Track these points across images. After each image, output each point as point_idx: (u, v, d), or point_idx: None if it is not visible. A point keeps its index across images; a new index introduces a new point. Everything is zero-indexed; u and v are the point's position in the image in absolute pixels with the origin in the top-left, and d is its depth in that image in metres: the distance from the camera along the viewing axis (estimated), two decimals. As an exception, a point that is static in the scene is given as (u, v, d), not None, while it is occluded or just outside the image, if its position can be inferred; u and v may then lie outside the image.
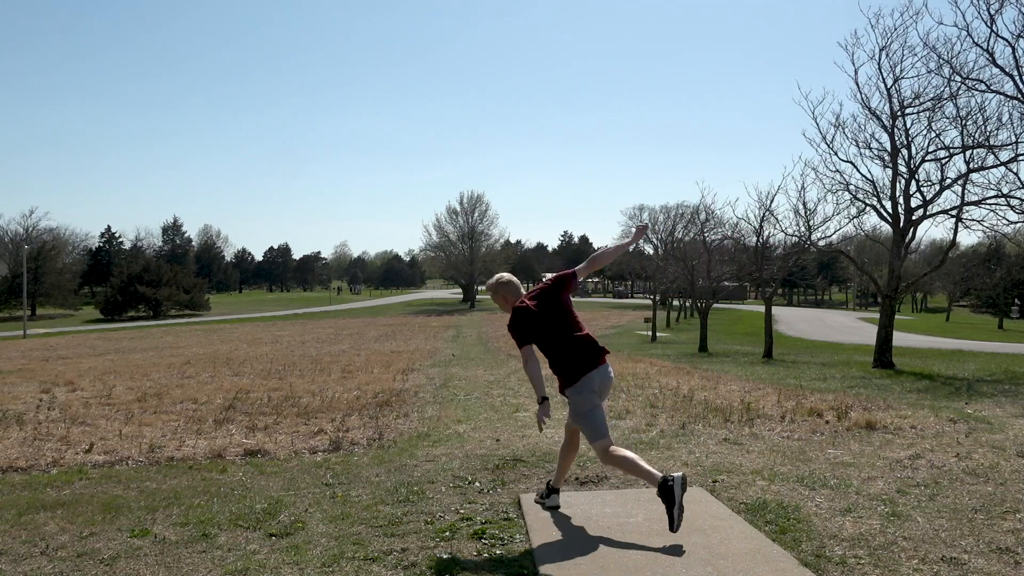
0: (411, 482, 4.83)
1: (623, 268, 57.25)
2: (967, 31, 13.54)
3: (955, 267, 39.84)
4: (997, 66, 13.05)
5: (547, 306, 3.89)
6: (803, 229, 17.82)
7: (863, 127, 21.79)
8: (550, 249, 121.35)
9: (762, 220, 19.78)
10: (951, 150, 14.44)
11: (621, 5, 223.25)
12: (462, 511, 4.16)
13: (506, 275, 4.13)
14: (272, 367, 14.42)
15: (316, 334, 29.08)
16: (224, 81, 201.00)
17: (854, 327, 37.55)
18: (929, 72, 14.48)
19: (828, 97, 47.38)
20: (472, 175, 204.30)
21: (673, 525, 3.47)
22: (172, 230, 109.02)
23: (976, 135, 13.83)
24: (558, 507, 4.10)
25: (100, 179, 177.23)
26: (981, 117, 13.80)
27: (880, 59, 14.76)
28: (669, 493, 3.47)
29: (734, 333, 33.16)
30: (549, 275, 3.77)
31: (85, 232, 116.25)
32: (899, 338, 24.37)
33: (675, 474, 3.53)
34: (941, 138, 14.59)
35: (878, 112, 15.09)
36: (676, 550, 3.40)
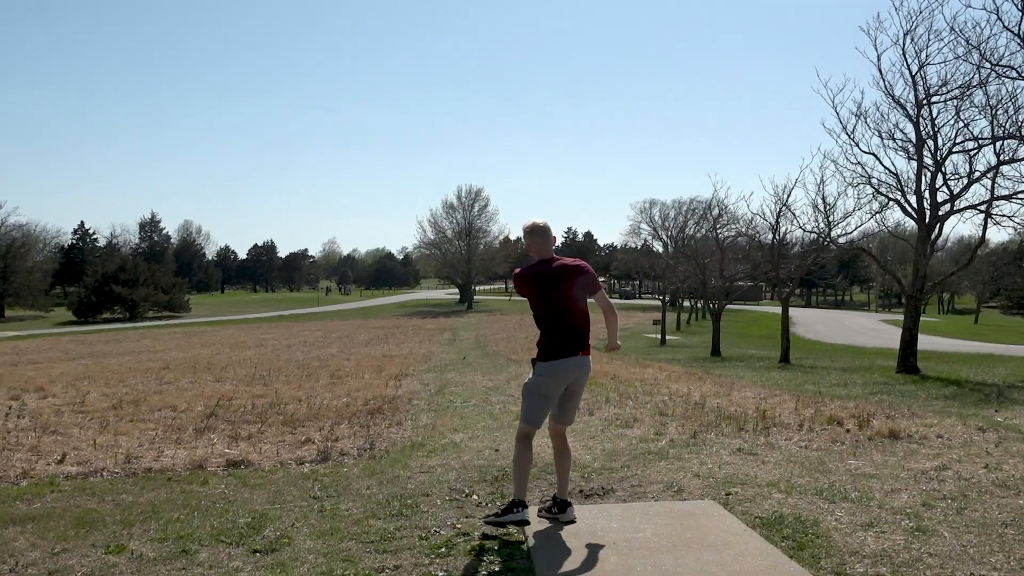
0: (404, 495, 4.83)
1: (630, 267, 57.16)
2: (997, 14, 13.59)
3: (984, 266, 39.79)
4: (1029, 51, 13.06)
5: (554, 280, 4.02)
6: (822, 225, 17.84)
7: (886, 116, 21.92)
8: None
9: (778, 216, 19.81)
10: (980, 141, 14.46)
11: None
12: (459, 526, 4.16)
13: (540, 223, 4.18)
14: (256, 372, 14.41)
15: (303, 337, 29.07)
16: (206, 68, 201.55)
17: (876, 330, 37.57)
18: (957, 58, 14.55)
19: (849, 85, 47.60)
20: (470, 168, 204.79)
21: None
22: (150, 227, 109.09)
23: (1007, 125, 13.85)
24: (574, 521, 4.08)
25: (73, 172, 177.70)
26: (1012, 106, 13.83)
27: (904, 44, 14.78)
28: (507, 514, 3.91)
29: (749, 336, 33.18)
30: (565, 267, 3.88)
31: (57, 229, 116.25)
32: (924, 341, 24.38)
33: (528, 514, 3.95)
34: (969, 128, 14.61)
35: (902, 101, 15.12)
36: (687, 568, 3.40)
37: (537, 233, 4.15)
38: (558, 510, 4.15)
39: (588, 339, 4.09)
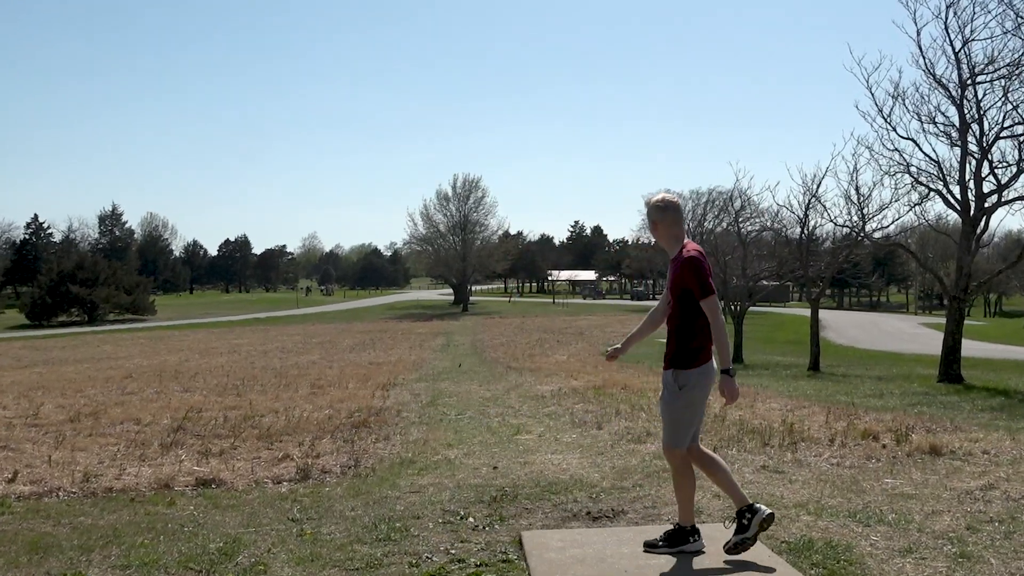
0: (393, 517, 4.83)
1: (643, 265, 57.22)
2: (1050, -16, 13.55)
3: (1035, 263, 39.74)
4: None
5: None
6: (855, 218, 17.84)
7: (926, 98, 21.75)
8: (557, 242, 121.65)
9: (807, 208, 19.80)
10: (1031, 125, 14.45)
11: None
12: (453, 551, 4.16)
13: (673, 198, 4.05)
14: (229, 381, 14.43)
15: (280, 342, 29.10)
16: (171, 44, 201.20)
17: (915, 334, 37.62)
18: (1005, 33, 14.46)
19: (885, 63, 47.57)
20: (466, 156, 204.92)
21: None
22: (110, 220, 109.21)
23: (1060, 107, 13.84)
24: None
25: (25, 161, 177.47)
26: (1066, 86, 13.81)
27: (947, 17, 14.77)
28: (682, 544, 3.89)
29: (774, 341, 33.21)
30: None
31: (8, 222, 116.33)
32: (969, 347, 24.37)
33: (703, 542, 3.90)
34: (1019, 111, 14.58)
35: (944, 80, 15.10)
36: (706, 597, 3.40)
37: (672, 210, 4.01)
38: (677, 538, 4.03)
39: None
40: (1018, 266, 18.89)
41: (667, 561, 3.88)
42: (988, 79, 14.67)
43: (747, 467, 6.07)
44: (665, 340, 4.06)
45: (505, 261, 73.38)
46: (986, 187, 14.98)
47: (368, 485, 5.76)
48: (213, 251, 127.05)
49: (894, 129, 15.68)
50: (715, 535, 4.19)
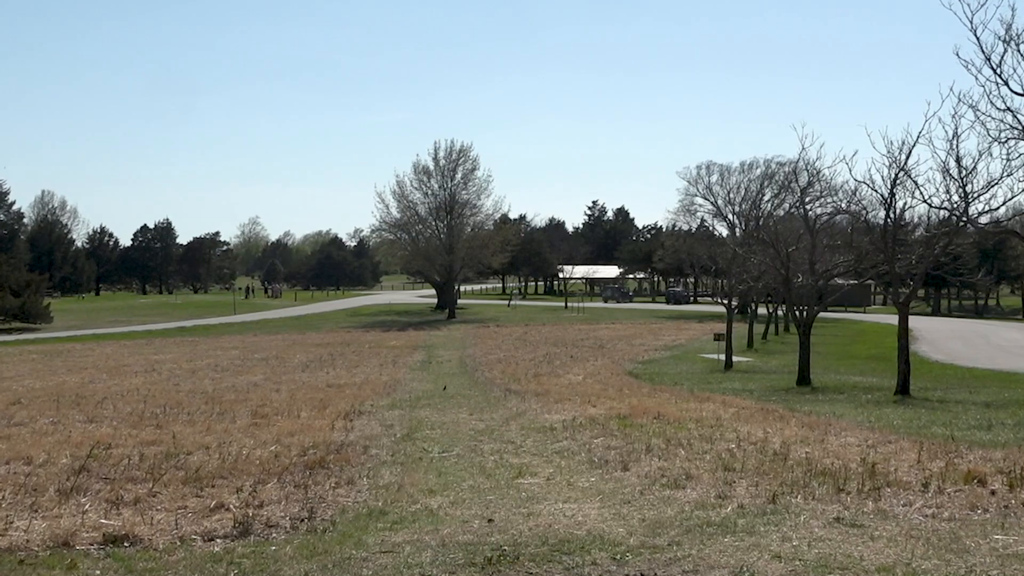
0: (358, 585, 4.83)
1: (681, 258, 57.05)
2: None
3: None
4: None
5: None
6: (956, 198, 17.83)
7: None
8: (571, 228, 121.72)
9: (894, 185, 19.78)
10: None
11: None
12: (436, 629, 4.16)
13: None
14: (146, 409, 14.39)
15: (213, 358, 29.07)
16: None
17: (1034, 348, 37.59)
18: None
19: (995, -3, 47.46)
20: (452, 117, 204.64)
21: None
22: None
23: None
24: None
25: None
26: None
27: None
28: None
29: (851, 357, 33.20)
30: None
31: None
32: (1103, 364, 24.40)
33: None
34: None
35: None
36: None
37: None
38: None
39: None
40: None
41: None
42: None
43: (816, 520, 6.06)
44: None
45: (503, 253, 73.26)
46: None
47: (326, 543, 5.75)
48: (126, 241, 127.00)
49: (1006, 83, 15.66)
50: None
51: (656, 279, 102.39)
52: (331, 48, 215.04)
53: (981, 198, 17.86)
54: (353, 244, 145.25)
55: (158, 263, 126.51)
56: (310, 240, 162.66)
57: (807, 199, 26.18)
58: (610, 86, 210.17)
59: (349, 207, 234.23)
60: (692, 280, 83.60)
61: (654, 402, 13.97)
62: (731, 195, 64.95)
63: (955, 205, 17.89)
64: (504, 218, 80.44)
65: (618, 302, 80.00)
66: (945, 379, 23.24)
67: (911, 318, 21.73)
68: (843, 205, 24.65)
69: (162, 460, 8.98)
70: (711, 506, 6.53)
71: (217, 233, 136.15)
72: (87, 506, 6.98)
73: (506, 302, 78.24)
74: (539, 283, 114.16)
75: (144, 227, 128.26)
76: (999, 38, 16.15)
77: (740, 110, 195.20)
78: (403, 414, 13.15)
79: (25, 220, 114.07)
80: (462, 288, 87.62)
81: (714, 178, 67.89)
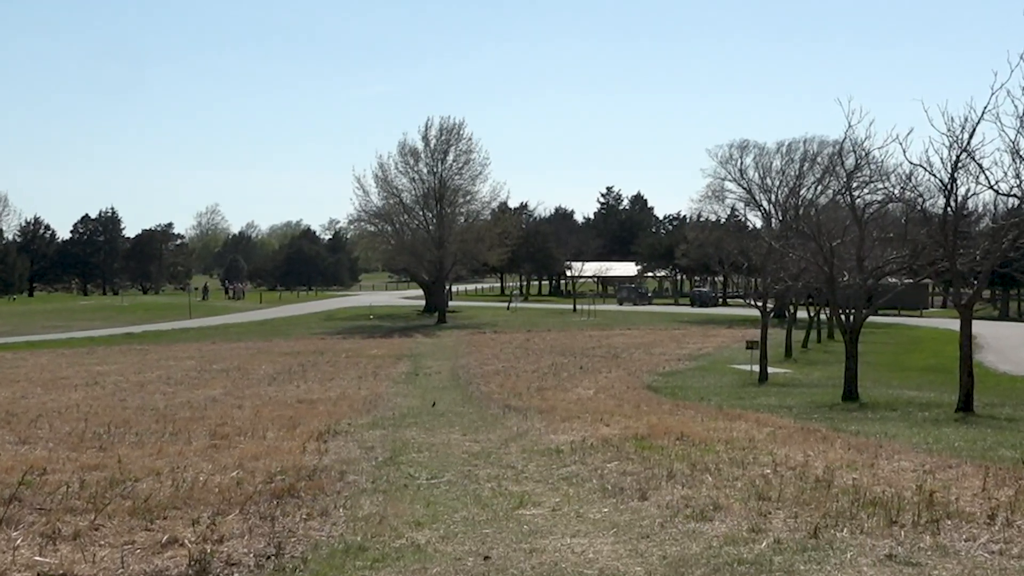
0: (334, 631, 4.88)
1: (708, 253, 56.88)
2: None
3: None
4: None
5: None
6: (1029, 184, 17.88)
7: None
8: (581, 219, 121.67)
9: (955, 168, 19.83)
10: None
11: None
12: None
13: None
14: (87, 428, 14.41)
15: (165, 370, 29.09)
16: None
17: (1121, 358, 37.61)
18: None
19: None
20: (443, 90, 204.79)
21: None
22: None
23: None
24: None
25: None
26: None
27: None
28: None
29: (906, 368, 33.23)
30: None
31: None
32: None
33: None
34: None
35: None
36: None
37: None
38: None
39: None
40: None
41: None
42: None
43: (864, 557, 6.09)
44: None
45: (501, 248, 73.24)
46: None
47: (297, 584, 5.79)
48: (64, 234, 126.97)
49: (1087, 49, 15.71)
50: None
51: (679, 278, 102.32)
52: (302, 9, 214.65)
53: (1058, 183, 17.91)
54: (328, 237, 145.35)
55: (102, 259, 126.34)
56: (277, 233, 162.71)
57: (854, 185, 26.23)
58: (628, 54, 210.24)
59: (323, 195, 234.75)
60: (720, 279, 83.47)
61: (676, 421, 14.00)
62: (767, 180, 64.70)
63: (1027, 192, 17.93)
64: (503, 207, 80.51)
65: (635, 304, 79.99)
66: (1015, 394, 23.28)
67: (975, 323, 21.73)
68: (896, 192, 24.69)
69: (106, 488, 8.99)
70: (743, 541, 6.56)
71: (170, 225, 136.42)
72: (18, 541, 6.99)
73: (505, 304, 78.26)
74: (543, 282, 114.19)
75: (85, 217, 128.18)
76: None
77: (777, 82, 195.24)
78: (385, 434, 13.19)
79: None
80: (454, 288, 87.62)
81: (748, 160, 67.66)
